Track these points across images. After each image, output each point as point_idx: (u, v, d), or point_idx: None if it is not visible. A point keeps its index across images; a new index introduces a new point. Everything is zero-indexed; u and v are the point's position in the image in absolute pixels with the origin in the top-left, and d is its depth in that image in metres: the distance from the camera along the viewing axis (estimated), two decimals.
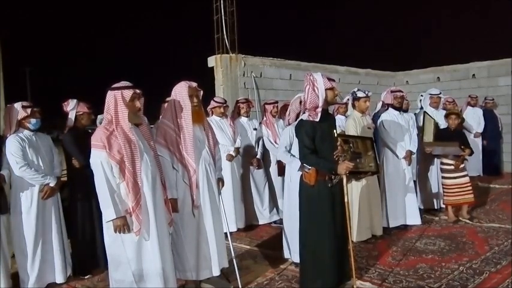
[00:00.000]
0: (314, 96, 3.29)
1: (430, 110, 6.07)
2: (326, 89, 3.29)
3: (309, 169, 3.33)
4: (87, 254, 4.07)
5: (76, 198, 4.09)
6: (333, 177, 3.34)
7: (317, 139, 3.29)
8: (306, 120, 3.33)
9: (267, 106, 5.76)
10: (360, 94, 4.75)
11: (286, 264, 4.11)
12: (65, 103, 4.17)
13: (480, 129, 8.39)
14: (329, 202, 3.35)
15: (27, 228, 3.70)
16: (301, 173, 3.55)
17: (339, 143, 3.36)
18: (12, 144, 3.63)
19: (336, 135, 3.36)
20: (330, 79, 3.35)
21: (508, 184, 7.74)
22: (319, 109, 3.28)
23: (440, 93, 6.16)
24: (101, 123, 4.84)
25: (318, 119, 3.28)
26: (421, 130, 5.64)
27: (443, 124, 5.81)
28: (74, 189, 4.11)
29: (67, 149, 4.13)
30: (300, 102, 3.94)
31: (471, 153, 5.40)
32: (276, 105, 5.73)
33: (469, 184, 5.38)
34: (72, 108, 4.14)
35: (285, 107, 5.24)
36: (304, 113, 3.49)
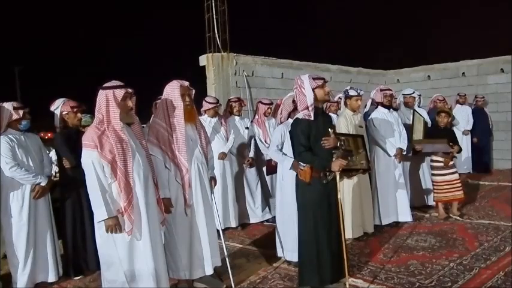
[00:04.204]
0: (302, 97, 3.41)
1: (405, 109, 6.14)
2: (313, 89, 3.38)
3: (304, 166, 3.36)
4: (78, 254, 4.05)
5: (67, 199, 4.06)
6: (327, 174, 3.38)
7: (312, 137, 3.36)
8: (302, 119, 3.38)
9: (260, 106, 5.77)
10: (352, 93, 4.78)
11: (278, 263, 4.12)
12: (52, 103, 4.14)
13: (469, 127, 8.49)
14: (325, 199, 3.41)
15: (19, 228, 3.68)
16: (293, 171, 3.58)
17: (332, 133, 3.41)
18: (1, 145, 3.60)
19: (331, 133, 3.41)
20: (317, 78, 3.42)
21: (497, 181, 7.84)
22: (311, 108, 3.36)
23: (413, 93, 6.22)
24: (85, 124, 4.81)
25: (312, 118, 3.35)
26: (410, 128, 5.69)
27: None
28: (64, 189, 4.09)
29: (57, 149, 4.10)
30: (293, 101, 3.98)
31: (460, 150, 5.47)
32: (270, 106, 5.74)
33: (458, 181, 5.44)
34: (56, 107, 4.10)
35: (277, 106, 5.26)
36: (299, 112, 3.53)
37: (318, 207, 3.40)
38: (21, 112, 3.74)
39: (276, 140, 4.11)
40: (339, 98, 6.53)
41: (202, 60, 7.49)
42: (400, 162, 5.24)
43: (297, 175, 3.49)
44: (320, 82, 3.40)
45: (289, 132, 3.64)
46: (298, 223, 3.51)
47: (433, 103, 7.83)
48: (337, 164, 3.29)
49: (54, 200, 4.08)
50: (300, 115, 3.44)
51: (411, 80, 10.40)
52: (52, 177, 4.01)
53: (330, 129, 3.42)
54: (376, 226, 5.00)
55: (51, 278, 3.88)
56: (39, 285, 3.85)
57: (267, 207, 5.72)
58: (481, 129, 8.60)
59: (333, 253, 3.44)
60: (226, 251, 3.69)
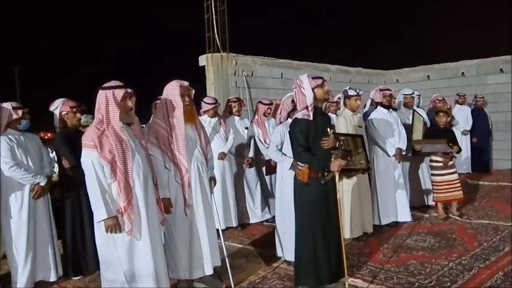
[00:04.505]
0: (302, 97, 3.39)
1: (404, 109, 6.14)
2: (313, 88, 3.36)
3: (302, 166, 3.37)
4: (77, 254, 4.05)
5: (66, 199, 4.05)
6: (325, 174, 3.38)
7: (311, 137, 3.35)
8: (301, 119, 3.38)
9: (260, 106, 5.77)
10: (351, 92, 4.79)
11: (278, 263, 4.12)
12: (52, 103, 4.15)
13: (468, 127, 8.49)
14: (323, 199, 3.41)
15: (18, 228, 3.68)
16: (292, 171, 3.58)
17: (331, 134, 3.41)
18: (0, 145, 3.60)
19: (331, 133, 3.41)
20: (316, 77, 3.41)
21: (497, 181, 7.84)
22: (310, 107, 3.35)
23: (412, 93, 6.22)
24: (85, 124, 4.80)
25: (311, 118, 3.34)
26: (410, 128, 5.69)
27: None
28: (64, 189, 4.08)
29: (57, 149, 4.10)
30: (292, 101, 3.99)
31: (459, 150, 5.47)
32: (270, 107, 5.75)
33: (458, 181, 5.44)
34: (55, 107, 4.10)
35: (277, 106, 5.26)
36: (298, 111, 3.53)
37: (316, 207, 3.39)
38: (20, 112, 3.74)
39: (275, 140, 4.11)
40: (338, 98, 6.54)
41: (202, 60, 7.49)
42: (399, 162, 5.24)
43: (295, 175, 3.49)
44: (319, 81, 3.40)
45: (289, 132, 3.65)
46: (296, 223, 3.51)
47: (433, 103, 7.84)
48: (336, 164, 3.29)
49: (54, 200, 4.08)
50: (298, 115, 3.43)
51: (411, 80, 10.42)
52: (52, 177, 4.00)
53: (328, 130, 3.42)
54: (375, 226, 5.00)
55: (51, 276, 3.88)
56: (38, 284, 3.85)
57: (267, 207, 5.73)
58: (481, 129, 8.60)
59: (331, 253, 3.43)
60: (225, 251, 3.69)
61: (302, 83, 3.39)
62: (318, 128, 3.39)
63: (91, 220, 3.00)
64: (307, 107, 3.36)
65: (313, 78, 3.39)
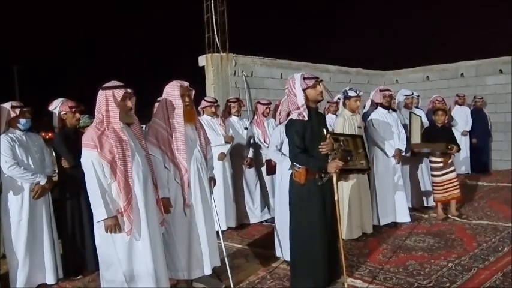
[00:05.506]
0: (292, 97, 3.36)
1: (404, 110, 6.14)
2: (304, 89, 3.31)
3: (299, 168, 3.35)
4: (77, 254, 4.05)
5: (66, 199, 4.06)
6: (322, 175, 3.36)
7: (307, 138, 3.31)
8: (296, 120, 3.35)
9: (259, 106, 5.78)
10: (351, 93, 4.78)
11: (277, 263, 4.13)
12: (51, 103, 4.15)
13: (468, 128, 8.50)
14: (319, 200, 3.37)
15: (18, 228, 3.68)
16: (291, 171, 3.58)
17: (327, 138, 3.38)
18: (1, 144, 3.60)
19: (325, 133, 3.39)
20: (308, 78, 3.33)
21: (496, 182, 7.85)
22: (302, 108, 3.31)
23: (412, 94, 6.22)
24: (83, 125, 4.79)
25: (306, 118, 3.31)
26: (408, 130, 5.69)
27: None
28: (63, 189, 4.08)
29: (56, 149, 4.11)
30: None
31: (458, 149, 5.49)
32: (269, 106, 5.75)
33: (455, 179, 5.46)
34: (54, 107, 4.10)
35: (277, 107, 5.27)
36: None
37: (312, 208, 3.35)
38: (17, 110, 3.74)
39: (275, 141, 4.11)
40: (338, 98, 6.54)
41: (202, 60, 7.49)
42: (398, 163, 5.25)
43: (291, 175, 3.46)
44: (311, 83, 3.32)
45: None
46: (290, 224, 3.48)
47: (432, 104, 7.84)
48: (333, 166, 3.25)
49: (54, 199, 4.08)
50: (293, 116, 3.39)
51: (410, 81, 10.43)
52: (53, 177, 4.00)
53: (324, 130, 3.39)
54: (374, 226, 5.01)
55: (50, 279, 3.85)
56: (39, 286, 3.84)
57: (266, 208, 5.73)
58: (480, 130, 8.61)
59: (328, 254, 3.40)
60: (225, 251, 3.70)
61: (294, 83, 3.34)
62: (314, 128, 3.35)
63: (91, 220, 3.00)
64: (298, 107, 3.32)
65: (305, 79, 3.32)
